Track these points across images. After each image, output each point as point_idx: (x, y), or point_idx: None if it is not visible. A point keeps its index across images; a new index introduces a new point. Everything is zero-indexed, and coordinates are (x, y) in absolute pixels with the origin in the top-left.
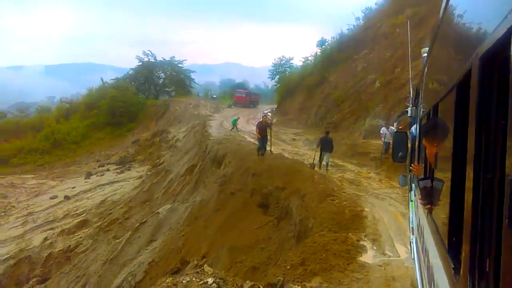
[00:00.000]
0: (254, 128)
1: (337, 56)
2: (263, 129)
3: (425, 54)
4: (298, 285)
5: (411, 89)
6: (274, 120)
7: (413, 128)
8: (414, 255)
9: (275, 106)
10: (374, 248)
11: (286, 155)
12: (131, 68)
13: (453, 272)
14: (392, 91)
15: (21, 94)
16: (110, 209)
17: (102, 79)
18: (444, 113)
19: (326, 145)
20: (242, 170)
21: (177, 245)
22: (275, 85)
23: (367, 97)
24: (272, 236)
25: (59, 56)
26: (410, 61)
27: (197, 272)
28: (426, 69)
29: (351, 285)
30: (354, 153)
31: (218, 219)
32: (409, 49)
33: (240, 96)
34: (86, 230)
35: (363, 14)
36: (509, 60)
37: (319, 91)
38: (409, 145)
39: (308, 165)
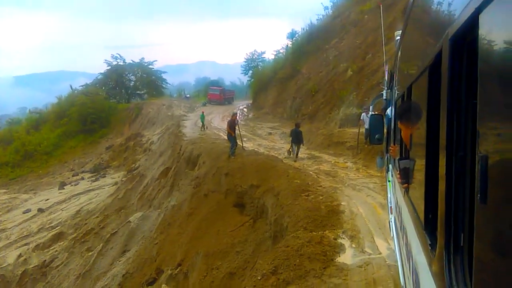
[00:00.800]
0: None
1: (308, 47)
2: (233, 127)
3: (398, 37)
4: None
5: (386, 72)
6: (250, 115)
7: (388, 111)
8: (393, 234)
9: (250, 101)
10: (353, 246)
11: (262, 150)
12: (100, 73)
13: (429, 248)
14: (365, 78)
15: None
16: (86, 219)
17: (71, 86)
18: (418, 95)
19: (295, 138)
20: (215, 170)
21: (151, 254)
22: (249, 80)
23: (340, 86)
24: (248, 238)
25: (30, 66)
26: (383, 45)
27: None
28: (399, 52)
29: None
30: (330, 143)
31: (192, 223)
32: (382, 33)
33: (214, 93)
34: (62, 243)
35: (332, 3)
36: (477, 40)
37: (292, 84)
38: (385, 127)
39: (286, 153)
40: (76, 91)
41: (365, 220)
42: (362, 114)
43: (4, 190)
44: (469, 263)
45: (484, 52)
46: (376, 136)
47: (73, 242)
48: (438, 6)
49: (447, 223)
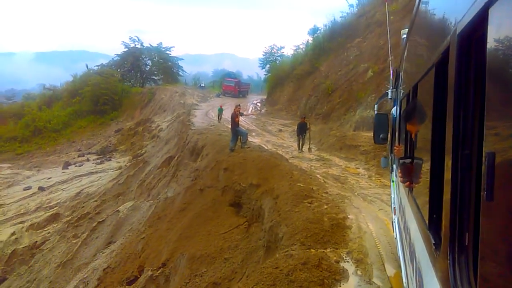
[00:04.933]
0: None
1: (329, 45)
2: (235, 120)
3: (405, 36)
4: None
5: (391, 71)
6: (263, 110)
7: (393, 110)
8: (396, 235)
9: (265, 96)
10: (358, 273)
11: (269, 147)
12: (117, 54)
13: (433, 247)
14: (385, 80)
15: (13, 81)
16: (84, 202)
17: (87, 66)
18: (424, 93)
19: (299, 129)
20: (214, 164)
21: (136, 249)
22: (266, 74)
23: (358, 87)
24: (239, 244)
25: (52, 43)
26: (389, 43)
27: None
28: (405, 50)
29: None
30: (342, 146)
31: (183, 220)
32: (388, 30)
33: (229, 85)
34: (56, 224)
35: (357, 1)
36: (486, 36)
37: (309, 81)
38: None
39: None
40: (91, 71)
41: (375, 240)
42: None
43: (9, 165)
44: (474, 263)
45: (492, 49)
46: (381, 135)
47: (66, 225)
48: (446, 1)
49: (452, 223)
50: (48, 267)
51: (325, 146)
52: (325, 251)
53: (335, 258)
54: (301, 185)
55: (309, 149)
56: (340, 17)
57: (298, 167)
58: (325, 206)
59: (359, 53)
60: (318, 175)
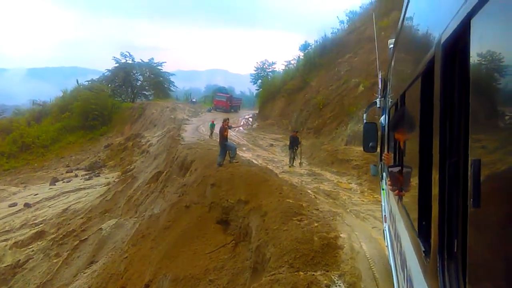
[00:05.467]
0: (232, 133)
1: (320, 60)
2: (223, 134)
3: (391, 46)
4: None
5: (379, 80)
6: (255, 125)
7: (382, 118)
8: (387, 243)
9: (257, 111)
10: None
11: (260, 162)
12: (108, 70)
13: (423, 254)
14: (376, 94)
15: (4, 97)
16: (70, 220)
17: (77, 81)
18: (411, 102)
19: (290, 143)
20: (200, 179)
21: (118, 269)
22: (257, 89)
23: (350, 101)
24: (225, 265)
25: (45, 60)
26: (377, 53)
27: None
28: (393, 60)
29: None
30: (334, 160)
31: (168, 238)
32: (375, 41)
33: (220, 100)
34: (40, 242)
35: (348, 18)
36: (469, 46)
37: (300, 96)
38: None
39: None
40: (81, 86)
41: (369, 262)
42: None
43: None
44: (463, 269)
45: (476, 58)
46: (370, 144)
47: (51, 243)
48: (431, 12)
49: (441, 230)
50: None
51: (316, 161)
52: (315, 274)
53: (325, 281)
54: (291, 201)
55: (300, 163)
56: (331, 33)
57: (288, 182)
58: (316, 224)
59: (350, 68)
60: (309, 191)
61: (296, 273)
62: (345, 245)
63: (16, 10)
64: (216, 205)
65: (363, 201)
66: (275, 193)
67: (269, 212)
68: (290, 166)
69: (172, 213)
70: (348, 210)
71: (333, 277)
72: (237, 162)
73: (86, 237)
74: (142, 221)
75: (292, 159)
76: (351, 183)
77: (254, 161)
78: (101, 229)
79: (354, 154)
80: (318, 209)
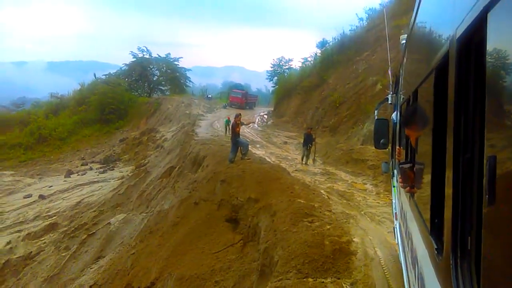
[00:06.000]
0: (246, 130)
1: (337, 57)
2: (234, 131)
3: (404, 41)
4: None
5: (390, 76)
6: (270, 122)
7: (393, 115)
8: (398, 240)
9: (272, 108)
10: None
11: (273, 159)
12: (125, 64)
13: (435, 252)
14: (388, 91)
15: (24, 89)
16: (82, 213)
17: (95, 75)
18: (424, 98)
19: (304, 141)
20: (211, 175)
21: (125, 265)
22: (273, 86)
23: (367, 100)
24: (232, 266)
25: (65, 53)
26: (388, 49)
27: None
28: (405, 56)
29: None
30: (349, 160)
31: (176, 235)
32: (387, 36)
33: (235, 96)
34: (52, 234)
35: (367, 15)
36: (485, 40)
37: (316, 93)
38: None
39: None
40: (99, 80)
41: (383, 269)
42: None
43: (11, 172)
44: (476, 268)
45: (492, 53)
46: (382, 140)
47: (62, 235)
48: (445, 6)
49: (454, 227)
50: (34, 280)
51: (331, 160)
52: (324, 281)
53: None
54: (302, 201)
55: (314, 160)
56: (350, 30)
57: (301, 181)
58: (328, 227)
59: (368, 66)
60: (322, 191)
61: (304, 279)
62: (358, 251)
63: (37, 5)
64: (226, 203)
65: (378, 203)
66: (286, 192)
67: (279, 212)
68: (303, 164)
69: (181, 209)
70: (362, 213)
71: (344, 285)
72: (248, 159)
73: (94, 231)
74: (150, 217)
75: (306, 156)
76: (366, 184)
77: (267, 158)
78: (109, 223)
79: (370, 154)
80: (330, 211)
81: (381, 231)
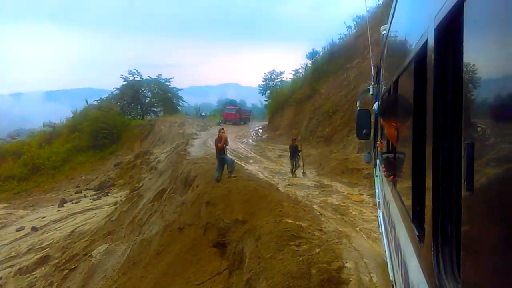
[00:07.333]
0: (240, 146)
1: (328, 67)
2: (218, 147)
3: (384, 32)
4: None
5: (372, 67)
6: (264, 136)
7: (375, 105)
8: (381, 229)
9: (267, 122)
10: None
11: (266, 174)
12: (116, 88)
13: (417, 239)
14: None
15: (22, 120)
16: (75, 242)
17: (87, 101)
18: (404, 88)
19: (291, 153)
20: (195, 198)
21: None
22: (266, 100)
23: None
24: None
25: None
26: (370, 42)
27: None
28: (386, 46)
29: None
30: (344, 170)
31: (160, 265)
32: (368, 31)
33: (229, 113)
34: (44, 268)
35: (355, 23)
36: (462, 29)
37: (309, 104)
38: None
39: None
40: (90, 106)
41: None
42: None
43: (5, 205)
44: (457, 253)
45: (470, 42)
46: (364, 131)
47: (53, 268)
48: None
49: (435, 214)
50: None
51: (325, 171)
52: None
53: None
54: (290, 221)
55: (303, 173)
56: (338, 39)
57: (292, 197)
58: (317, 250)
59: (359, 73)
60: (315, 205)
61: None
62: (351, 279)
63: (32, 36)
64: (212, 226)
65: (375, 216)
66: (274, 211)
67: (264, 235)
68: (292, 177)
69: (164, 236)
70: (357, 229)
71: None
72: (235, 176)
73: (75, 266)
74: (133, 247)
75: (294, 169)
76: (362, 195)
77: (260, 173)
78: (91, 256)
79: (365, 163)
80: (321, 230)
81: (378, 252)
